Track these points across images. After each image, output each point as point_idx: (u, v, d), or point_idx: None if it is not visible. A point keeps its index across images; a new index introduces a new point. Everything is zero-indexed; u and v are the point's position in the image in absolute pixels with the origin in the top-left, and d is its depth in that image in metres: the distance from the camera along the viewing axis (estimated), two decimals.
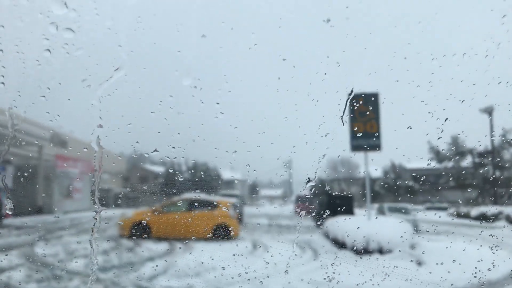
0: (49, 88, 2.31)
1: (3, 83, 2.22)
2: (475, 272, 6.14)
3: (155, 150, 2.35)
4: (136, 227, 12.89)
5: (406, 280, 8.09)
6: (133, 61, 2.35)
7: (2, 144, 2.34)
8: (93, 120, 2.30)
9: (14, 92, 2.26)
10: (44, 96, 2.37)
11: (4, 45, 2.22)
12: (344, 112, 3.36)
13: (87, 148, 2.35)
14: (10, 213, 2.48)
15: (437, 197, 29.78)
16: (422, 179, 29.84)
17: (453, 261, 8.50)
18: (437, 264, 8.87)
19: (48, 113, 2.43)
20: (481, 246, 7.47)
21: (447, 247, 11.12)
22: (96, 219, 2.43)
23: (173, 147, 2.45)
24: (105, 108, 2.20)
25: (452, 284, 7.74)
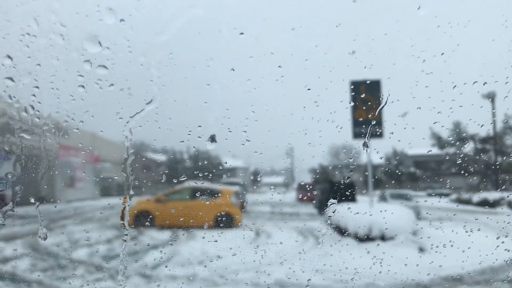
0: (82, 121, 2.35)
1: (38, 117, 2.25)
2: (479, 259, 6.17)
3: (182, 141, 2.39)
4: (139, 216, 12.94)
5: (407, 265, 8.13)
6: (164, 95, 2.44)
7: (6, 134, 2.34)
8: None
9: (48, 123, 2.33)
10: (77, 129, 2.44)
11: (40, 83, 2.27)
12: (368, 136, 3.37)
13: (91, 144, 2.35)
14: (14, 203, 2.49)
15: (439, 184, 29.80)
16: (424, 165, 29.86)
17: (456, 247, 8.52)
18: (439, 251, 8.91)
19: (81, 144, 2.52)
20: (484, 232, 7.49)
21: (450, 233, 11.16)
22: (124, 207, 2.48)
23: (182, 141, 2.46)
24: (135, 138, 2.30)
25: (454, 271, 7.78)
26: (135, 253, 9.43)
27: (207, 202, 13.28)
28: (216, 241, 9.96)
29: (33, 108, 2.27)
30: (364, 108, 8.42)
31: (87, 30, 2.26)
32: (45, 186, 2.41)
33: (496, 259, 5.83)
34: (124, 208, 2.57)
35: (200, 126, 2.54)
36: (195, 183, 14.13)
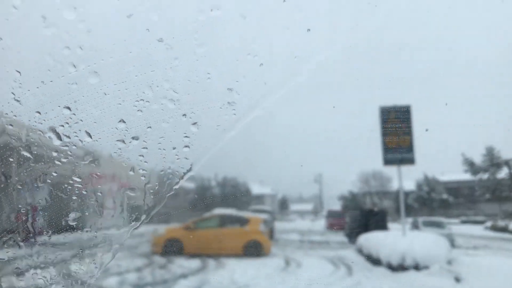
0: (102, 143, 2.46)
1: (67, 145, 2.36)
2: None
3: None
4: (168, 243, 12.98)
5: None
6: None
7: (39, 164, 2.40)
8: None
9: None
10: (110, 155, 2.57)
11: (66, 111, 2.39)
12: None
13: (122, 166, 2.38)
14: (43, 230, 2.53)
15: (473, 210, 28.99)
16: (457, 191, 29.16)
17: (494, 277, 8.21)
18: (476, 280, 8.60)
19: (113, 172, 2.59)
20: None
21: (486, 262, 10.78)
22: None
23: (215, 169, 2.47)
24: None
25: None
26: (165, 282, 9.41)
27: (236, 230, 13.27)
28: (244, 272, 9.89)
29: (66, 136, 2.34)
30: (394, 134, 8.35)
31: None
32: (75, 214, 2.44)
33: None
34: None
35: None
36: (224, 210, 14.14)
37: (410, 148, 10.00)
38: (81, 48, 2.26)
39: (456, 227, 20.41)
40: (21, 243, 2.46)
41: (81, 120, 2.33)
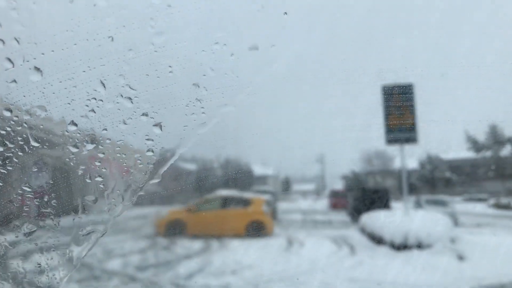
0: (106, 130, 2.25)
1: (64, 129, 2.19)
2: None
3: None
4: (171, 225, 13.03)
5: (446, 274, 7.87)
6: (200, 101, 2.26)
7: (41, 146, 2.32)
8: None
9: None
10: (109, 139, 2.29)
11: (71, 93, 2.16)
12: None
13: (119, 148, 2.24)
14: (45, 213, 2.49)
15: (476, 188, 28.98)
16: (460, 170, 29.13)
17: (497, 255, 8.20)
18: (479, 259, 8.61)
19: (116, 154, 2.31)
20: None
21: (490, 240, 10.78)
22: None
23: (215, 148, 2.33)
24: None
25: (497, 280, 7.47)
26: (168, 263, 9.45)
27: (239, 211, 13.29)
28: (247, 252, 9.92)
29: (73, 123, 2.16)
30: (397, 113, 8.24)
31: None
32: (78, 197, 2.35)
33: None
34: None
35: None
36: (226, 192, 14.13)
37: (413, 127, 9.90)
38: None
39: (459, 205, 20.41)
40: (24, 227, 2.42)
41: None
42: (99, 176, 2.52)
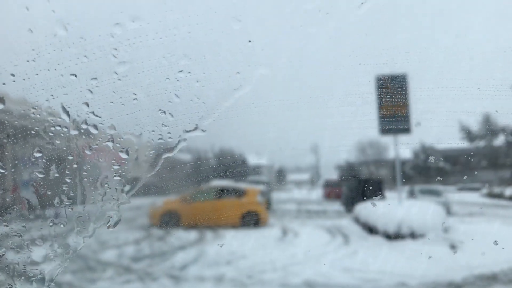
0: (100, 116, 2.24)
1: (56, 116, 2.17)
2: None
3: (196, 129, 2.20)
4: (166, 215, 13.02)
5: (438, 263, 7.92)
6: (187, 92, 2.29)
7: (32, 137, 2.31)
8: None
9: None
10: (101, 128, 2.31)
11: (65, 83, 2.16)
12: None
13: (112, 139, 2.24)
14: (38, 204, 2.48)
15: (469, 178, 29.14)
16: (453, 159, 29.27)
17: (489, 244, 8.25)
18: (471, 248, 8.66)
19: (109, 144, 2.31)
20: None
21: (482, 229, 10.85)
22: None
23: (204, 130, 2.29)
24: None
25: (488, 269, 7.54)
26: (163, 254, 9.46)
27: (233, 201, 13.31)
28: (242, 242, 9.94)
29: (65, 110, 2.16)
30: (390, 103, 8.24)
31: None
32: (72, 188, 2.35)
33: None
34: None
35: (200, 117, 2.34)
36: (221, 182, 14.13)
37: (406, 117, 9.91)
38: None
39: (453, 195, 20.55)
40: (17, 218, 2.41)
41: None
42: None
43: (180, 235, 11.50)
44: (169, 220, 12.73)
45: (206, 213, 12.91)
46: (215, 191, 13.77)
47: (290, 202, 21.21)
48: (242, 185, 14.31)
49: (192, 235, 11.39)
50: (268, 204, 15.50)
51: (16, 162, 2.45)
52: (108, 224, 2.37)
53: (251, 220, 12.49)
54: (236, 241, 10.36)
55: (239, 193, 13.55)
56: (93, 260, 8.64)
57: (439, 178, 24.32)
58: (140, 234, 11.60)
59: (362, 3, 2.78)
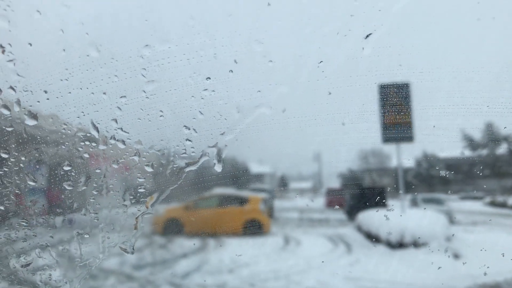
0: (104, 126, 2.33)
1: (67, 124, 2.26)
2: None
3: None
4: (168, 223, 12.99)
5: (441, 273, 7.88)
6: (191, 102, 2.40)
7: (36, 144, 2.35)
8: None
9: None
10: (107, 136, 2.43)
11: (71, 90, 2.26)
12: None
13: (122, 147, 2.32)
14: (44, 211, 2.52)
15: (471, 187, 29.06)
16: (456, 168, 29.21)
17: (493, 253, 8.22)
18: (475, 257, 8.62)
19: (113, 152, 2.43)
20: None
21: (485, 238, 10.82)
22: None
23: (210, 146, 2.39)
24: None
25: (492, 278, 7.51)
26: (165, 262, 9.45)
27: (235, 209, 13.30)
28: (244, 250, 9.91)
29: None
30: (393, 111, 8.24)
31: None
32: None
33: None
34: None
35: (222, 133, 2.42)
36: (223, 190, 14.14)
37: (409, 125, 9.92)
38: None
39: (455, 204, 20.48)
40: (23, 225, 2.45)
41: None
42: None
43: (182, 243, 11.49)
44: (171, 227, 12.71)
45: (208, 221, 12.89)
46: (218, 199, 13.76)
47: (293, 210, 21.17)
48: (244, 193, 14.30)
49: (194, 242, 11.38)
50: (271, 212, 15.48)
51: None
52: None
53: (253, 228, 12.47)
54: (238, 249, 10.34)
55: (242, 201, 13.54)
56: (95, 268, 8.63)
57: (442, 187, 24.24)
58: (142, 242, 11.60)
59: (375, 30, 2.85)
